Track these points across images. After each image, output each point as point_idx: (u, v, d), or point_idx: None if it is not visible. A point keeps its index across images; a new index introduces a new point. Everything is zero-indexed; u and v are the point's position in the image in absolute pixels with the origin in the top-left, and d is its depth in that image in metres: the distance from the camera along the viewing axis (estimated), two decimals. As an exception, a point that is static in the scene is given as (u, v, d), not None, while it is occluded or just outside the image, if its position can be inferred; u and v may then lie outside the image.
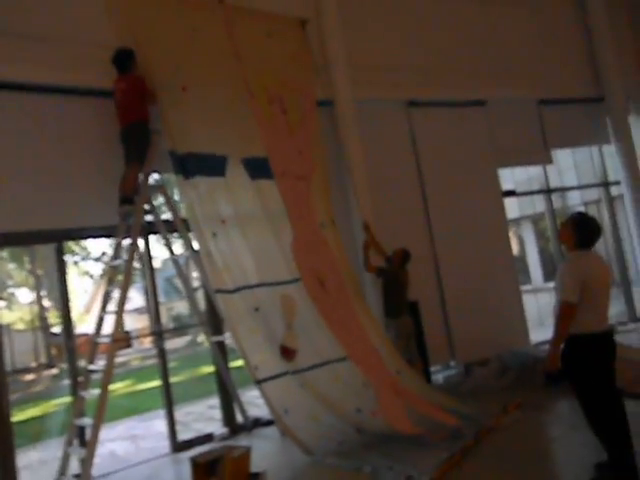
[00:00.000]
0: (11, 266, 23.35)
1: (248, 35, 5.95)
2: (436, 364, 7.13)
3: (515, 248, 13.78)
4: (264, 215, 5.49)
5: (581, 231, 3.42)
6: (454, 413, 4.87)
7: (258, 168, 5.56)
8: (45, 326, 21.94)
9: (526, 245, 14.60)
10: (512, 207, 11.96)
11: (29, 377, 19.32)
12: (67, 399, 5.11)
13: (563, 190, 9.66)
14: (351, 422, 4.75)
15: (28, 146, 4.94)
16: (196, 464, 3.79)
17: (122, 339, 20.91)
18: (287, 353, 5.00)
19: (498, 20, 8.10)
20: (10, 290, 24.81)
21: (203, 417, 7.14)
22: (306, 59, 6.55)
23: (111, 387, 13.01)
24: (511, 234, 12.89)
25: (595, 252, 3.63)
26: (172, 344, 20.80)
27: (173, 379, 11.49)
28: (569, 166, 9.74)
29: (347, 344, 5.29)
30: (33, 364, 21.52)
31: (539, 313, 9.73)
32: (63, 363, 5.69)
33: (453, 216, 7.41)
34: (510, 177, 9.75)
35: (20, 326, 24.42)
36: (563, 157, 9.54)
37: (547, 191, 8.76)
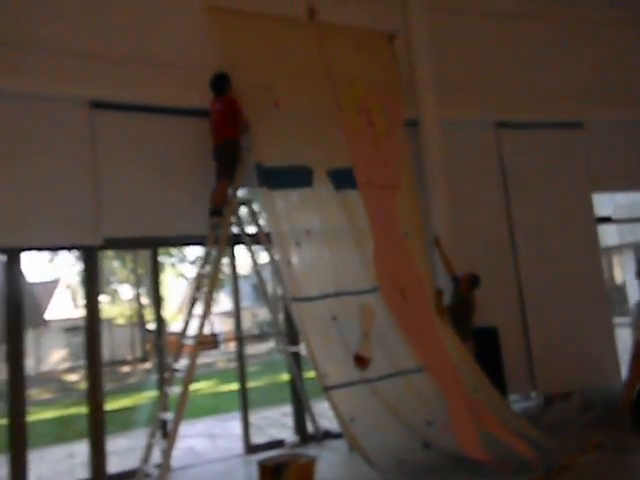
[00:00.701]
0: (115, 264, 25.30)
1: (337, 50, 6.20)
2: (515, 394, 6.88)
3: (615, 277, 12.91)
4: (348, 225, 5.63)
5: None
6: (530, 442, 4.70)
7: (343, 179, 5.73)
8: (142, 322, 23.51)
9: (626, 275, 13.61)
10: (612, 234, 11.27)
11: (125, 369, 20.81)
12: (155, 393, 5.51)
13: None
14: (419, 436, 4.73)
15: (132, 160, 5.47)
16: (263, 467, 3.99)
17: (207, 341, 22.00)
18: (361, 362, 5.06)
19: (598, 37, 7.77)
20: (113, 286, 26.91)
21: (277, 423, 7.39)
22: (394, 73, 6.67)
23: (195, 386, 13.72)
24: (613, 262, 12.19)
25: None
26: (255, 349, 21.58)
27: (252, 384, 11.97)
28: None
29: (424, 355, 5.26)
30: (129, 357, 23.15)
31: (636, 348, 9.04)
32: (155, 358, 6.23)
33: (541, 241, 7.14)
34: (610, 202, 9.23)
35: (120, 321, 26.37)
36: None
37: (647, 219, 8.17)
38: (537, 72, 7.47)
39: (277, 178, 5.38)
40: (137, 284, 23.80)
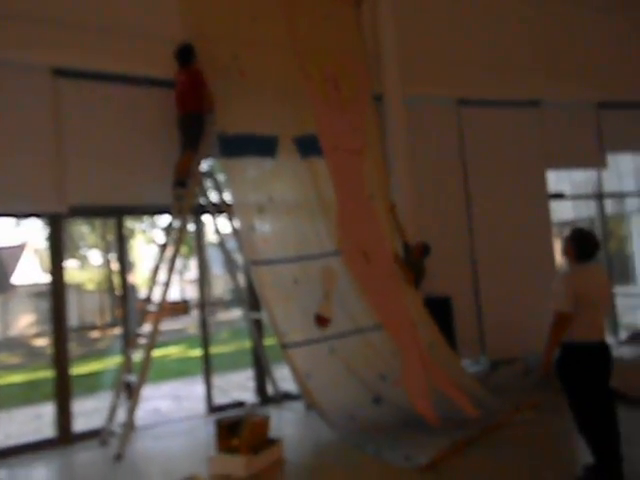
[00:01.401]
0: (85, 229, 25.00)
1: (305, 18, 6.33)
2: (466, 358, 7.32)
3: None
4: (313, 193, 5.81)
5: (580, 245, 3.59)
6: (475, 400, 5.09)
7: (309, 146, 5.90)
8: (111, 288, 23.46)
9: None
10: (567, 209, 11.72)
11: (94, 334, 20.86)
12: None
13: (615, 196, 9.39)
14: (372, 390, 5.05)
15: (97, 129, 5.51)
16: (220, 425, 4.27)
17: (178, 308, 22.11)
18: (322, 321, 5.33)
19: (558, 18, 7.97)
20: (82, 252, 26.62)
21: (241, 386, 7.70)
22: (360, 41, 6.81)
23: (165, 351, 13.94)
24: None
25: (598, 265, 3.75)
26: (226, 316, 21.82)
27: (221, 349, 12.23)
28: (629, 171, 9.49)
29: (384, 314, 5.57)
30: (98, 323, 23.17)
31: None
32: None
33: (496, 215, 7.47)
34: (566, 178, 9.62)
35: (90, 286, 26.23)
36: (624, 162, 9.31)
37: (599, 196, 8.58)
38: (498, 50, 7.67)
39: (239, 146, 5.51)
40: (106, 250, 23.63)
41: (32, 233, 24.42)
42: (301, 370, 4.93)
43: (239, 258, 6.06)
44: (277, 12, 6.16)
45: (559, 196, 8.36)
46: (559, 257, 7.90)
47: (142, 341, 5.28)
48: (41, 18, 5.20)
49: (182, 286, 27.31)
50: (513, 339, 7.13)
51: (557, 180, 9.24)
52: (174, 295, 26.04)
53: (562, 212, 12.05)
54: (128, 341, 5.51)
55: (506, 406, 5.22)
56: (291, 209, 5.72)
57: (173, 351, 14.38)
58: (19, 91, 5.20)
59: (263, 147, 5.65)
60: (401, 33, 7.04)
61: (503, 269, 7.38)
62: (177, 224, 5.47)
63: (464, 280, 7.34)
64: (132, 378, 5.14)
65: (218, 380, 8.11)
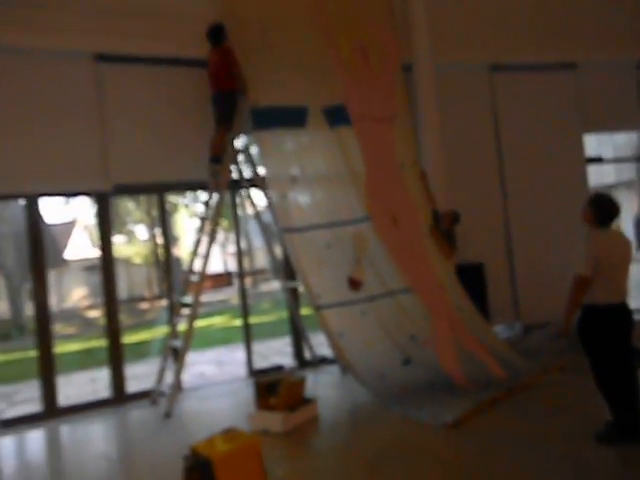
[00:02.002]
0: (130, 205, 25.87)
1: None
2: (500, 324, 7.42)
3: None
4: (342, 162, 5.96)
5: (599, 210, 3.65)
6: (502, 361, 5.25)
7: (338, 115, 6.02)
8: (158, 261, 24.34)
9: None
10: (608, 173, 11.44)
11: (143, 306, 21.85)
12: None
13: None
14: (402, 351, 5.25)
15: (137, 110, 5.81)
16: (259, 385, 4.58)
17: (222, 279, 22.75)
18: (354, 284, 5.53)
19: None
20: (129, 227, 27.62)
21: (281, 352, 8.07)
22: (390, 10, 6.79)
23: (210, 321, 14.52)
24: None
25: (617, 229, 3.80)
26: (268, 287, 22.36)
27: (264, 318, 12.65)
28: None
29: (413, 278, 5.74)
30: (146, 294, 24.19)
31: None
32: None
33: (530, 180, 7.43)
34: (609, 142, 9.38)
35: (137, 260, 27.26)
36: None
37: (639, 158, 8.36)
38: (530, 13, 7.49)
39: (271, 118, 5.67)
40: (152, 225, 24.42)
41: (82, 210, 25.43)
42: (334, 330, 5.14)
43: (275, 230, 6.27)
44: None
45: (597, 160, 8.18)
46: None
47: (186, 311, 5.63)
48: (81, 7, 5.47)
49: (225, 258, 27.98)
50: (547, 303, 7.10)
51: (599, 144, 9.05)
52: (217, 267, 26.81)
53: (604, 176, 11.78)
54: (173, 311, 5.88)
55: (534, 368, 5.34)
56: (322, 178, 5.89)
57: (217, 321, 14.97)
58: (65, 77, 5.53)
59: (294, 117, 5.80)
60: (431, 2, 6.97)
61: (537, 234, 7.37)
62: (214, 199, 5.74)
63: (498, 246, 7.38)
64: (178, 344, 5.52)
65: (259, 347, 8.53)
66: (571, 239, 7.49)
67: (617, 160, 8.99)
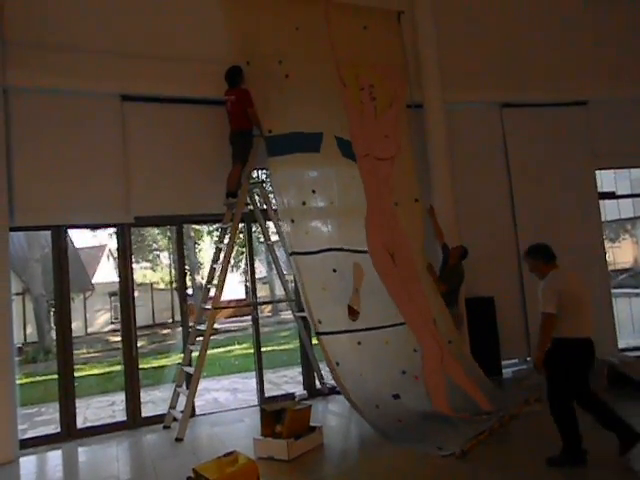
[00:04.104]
0: (157, 231, 26.49)
1: (345, 27, 6.69)
2: (511, 358, 7.43)
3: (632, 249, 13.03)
4: (348, 191, 6.20)
5: (540, 254, 4.12)
6: (488, 395, 5.39)
7: (347, 148, 6.29)
8: (179, 287, 24.67)
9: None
10: (627, 208, 11.42)
11: (165, 331, 22.16)
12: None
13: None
14: (392, 386, 5.35)
15: (158, 147, 6.16)
16: (265, 412, 4.73)
17: (243, 307, 22.93)
18: (352, 313, 5.70)
19: (603, 17, 7.89)
20: (155, 253, 28.21)
21: (293, 380, 8.20)
22: (399, 50, 7.09)
23: (228, 348, 14.65)
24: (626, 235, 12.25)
25: (571, 271, 4.21)
26: (289, 315, 22.46)
27: (283, 346, 12.73)
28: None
29: (407, 312, 5.90)
30: (169, 320, 24.53)
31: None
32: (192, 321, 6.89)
33: (542, 216, 7.51)
34: (626, 177, 9.43)
35: (161, 285, 27.74)
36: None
37: (653, 194, 8.39)
38: (541, 52, 7.72)
39: (285, 145, 5.91)
40: (175, 252, 24.86)
41: (109, 236, 26.14)
42: (332, 358, 5.27)
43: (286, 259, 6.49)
44: (318, 22, 6.57)
45: (610, 195, 8.24)
46: (612, 255, 7.81)
47: (201, 338, 5.84)
48: (109, 51, 5.89)
49: (247, 287, 28.23)
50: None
51: (616, 179, 9.11)
52: (239, 295, 27.06)
53: (622, 211, 11.77)
54: (187, 337, 6.11)
55: (516, 399, 5.42)
56: (331, 204, 6.11)
57: (237, 348, 15.13)
58: (92, 116, 5.92)
59: (309, 143, 6.04)
60: (441, 42, 7.26)
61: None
62: (229, 230, 6.00)
63: (509, 280, 7.44)
64: (190, 369, 5.72)
65: (272, 375, 8.68)
66: (585, 273, 7.55)
67: (632, 195, 8.99)
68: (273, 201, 6.27)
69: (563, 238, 7.45)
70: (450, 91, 7.20)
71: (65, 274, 5.89)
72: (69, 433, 5.66)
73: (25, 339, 18.96)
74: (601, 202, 7.95)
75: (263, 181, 6.55)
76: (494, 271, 7.28)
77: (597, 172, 7.92)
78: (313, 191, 5.99)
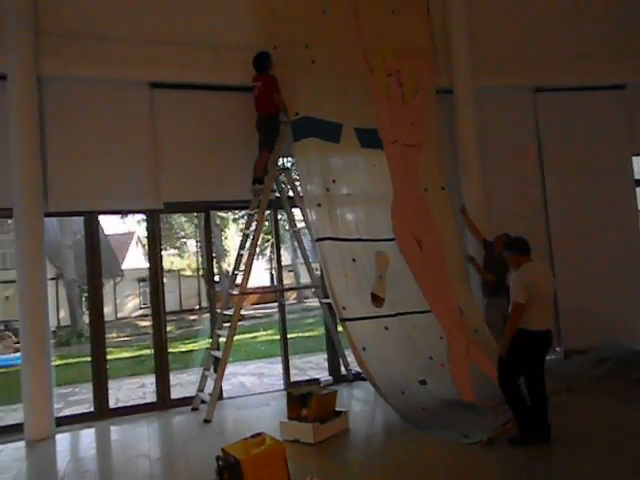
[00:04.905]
0: (183, 219, 26.87)
1: (374, 12, 6.61)
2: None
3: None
4: (369, 181, 6.20)
5: (514, 247, 4.43)
6: None
7: (368, 138, 6.25)
8: (206, 274, 25.04)
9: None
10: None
11: (192, 317, 22.55)
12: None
13: None
14: (419, 371, 5.36)
15: (186, 134, 6.20)
16: (291, 396, 4.79)
17: (269, 293, 23.16)
18: (376, 300, 5.71)
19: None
20: (182, 240, 28.65)
21: (319, 366, 8.26)
22: (428, 35, 6.98)
23: (254, 334, 14.90)
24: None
25: (543, 263, 4.49)
26: (315, 302, 22.58)
27: (308, 333, 12.81)
28: None
29: (432, 299, 5.90)
30: (196, 306, 24.95)
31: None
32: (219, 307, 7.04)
33: (574, 203, 7.35)
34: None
35: (188, 272, 28.17)
36: None
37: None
38: (576, 34, 7.46)
39: (310, 128, 5.91)
40: (201, 239, 25.23)
41: (136, 223, 26.64)
42: (358, 343, 5.28)
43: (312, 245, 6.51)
44: (346, 6, 6.50)
45: (646, 182, 7.99)
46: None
47: (227, 323, 5.93)
48: (137, 39, 5.95)
49: (273, 273, 28.52)
50: (588, 330, 7.03)
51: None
52: (265, 282, 27.32)
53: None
54: (215, 323, 6.20)
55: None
56: (350, 194, 6.11)
57: (262, 334, 15.33)
58: (122, 104, 6.00)
59: (329, 132, 6.04)
60: (472, 25, 7.10)
61: (580, 259, 7.22)
62: (256, 217, 6.05)
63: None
64: (217, 354, 5.82)
65: (298, 361, 8.77)
66: (615, 265, 7.39)
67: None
68: (299, 188, 6.29)
69: (597, 226, 7.37)
70: (481, 75, 7.05)
71: (97, 259, 6.03)
72: (102, 412, 5.83)
73: (58, 323, 19.56)
74: (638, 189, 7.72)
75: (289, 168, 6.56)
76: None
77: (634, 158, 7.69)
78: (333, 181, 5.98)
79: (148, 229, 6.30)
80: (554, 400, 5.04)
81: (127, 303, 26.01)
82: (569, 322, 7.21)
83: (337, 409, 4.90)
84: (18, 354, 5.76)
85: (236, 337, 5.87)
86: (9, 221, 6.42)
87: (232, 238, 27.11)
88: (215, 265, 22.63)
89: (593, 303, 7.13)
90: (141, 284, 25.25)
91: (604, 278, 7.28)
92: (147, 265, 6.42)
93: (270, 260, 26.32)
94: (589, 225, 7.38)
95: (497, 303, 6.28)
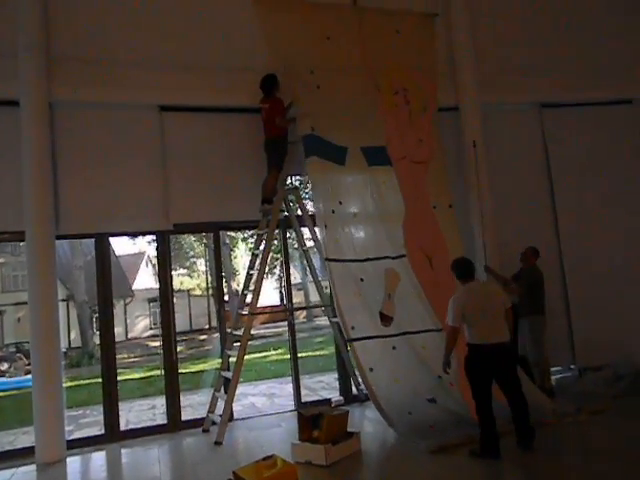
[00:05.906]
0: (193, 238, 26.97)
1: (378, 33, 6.70)
2: (556, 366, 7.20)
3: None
4: (376, 199, 6.19)
5: (456, 270, 4.73)
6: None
7: (376, 155, 6.28)
8: (216, 294, 25.01)
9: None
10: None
11: (202, 336, 22.49)
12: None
13: None
14: (428, 390, 5.30)
15: (195, 155, 6.27)
16: (302, 416, 4.75)
17: (278, 312, 23.12)
18: (384, 319, 5.68)
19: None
20: (191, 260, 28.72)
21: (330, 386, 8.20)
22: (432, 54, 7.03)
23: (264, 354, 14.83)
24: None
25: (484, 282, 4.94)
26: (324, 321, 22.47)
27: (318, 352, 12.73)
28: None
29: (443, 317, 5.81)
30: (206, 326, 24.89)
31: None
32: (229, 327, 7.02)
33: (585, 217, 7.32)
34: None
35: (197, 292, 28.18)
36: None
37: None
38: (581, 50, 7.49)
39: (321, 146, 5.96)
40: (210, 259, 25.29)
41: (147, 244, 26.80)
42: (364, 364, 5.23)
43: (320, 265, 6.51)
44: (349, 31, 6.60)
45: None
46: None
47: (237, 343, 5.91)
48: (147, 63, 6.05)
49: (282, 293, 28.44)
50: (602, 347, 6.92)
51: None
52: (275, 300, 27.25)
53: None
54: (224, 343, 6.19)
55: (565, 407, 5.31)
56: (357, 214, 6.13)
57: (272, 354, 15.24)
58: (132, 127, 6.09)
59: (335, 154, 6.08)
60: (477, 41, 7.15)
61: (593, 276, 7.14)
62: (265, 237, 6.06)
63: (552, 287, 7.15)
64: (228, 374, 5.79)
65: (308, 381, 8.70)
66: (629, 282, 7.29)
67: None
68: (308, 207, 6.31)
69: (609, 242, 7.30)
70: (487, 92, 7.08)
71: (108, 281, 6.06)
72: (112, 435, 5.80)
73: (69, 344, 19.58)
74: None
75: (297, 187, 6.59)
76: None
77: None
78: (340, 202, 6.00)
79: (158, 250, 6.33)
80: (567, 420, 5.01)
81: (137, 323, 26.02)
82: (582, 339, 7.12)
83: (349, 430, 4.84)
84: (29, 376, 5.77)
85: (246, 357, 5.84)
86: (21, 244, 6.48)
87: (241, 257, 27.14)
88: (224, 284, 22.73)
89: (604, 321, 7.04)
90: (151, 304, 25.28)
91: (618, 293, 7.20)
92: (157, 285, 6.43)
93: (280, 279, 26.28)
94: (600, 240, 7.31)
95: (540, 320, 6.23)
